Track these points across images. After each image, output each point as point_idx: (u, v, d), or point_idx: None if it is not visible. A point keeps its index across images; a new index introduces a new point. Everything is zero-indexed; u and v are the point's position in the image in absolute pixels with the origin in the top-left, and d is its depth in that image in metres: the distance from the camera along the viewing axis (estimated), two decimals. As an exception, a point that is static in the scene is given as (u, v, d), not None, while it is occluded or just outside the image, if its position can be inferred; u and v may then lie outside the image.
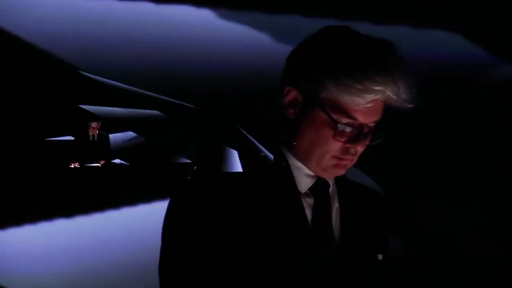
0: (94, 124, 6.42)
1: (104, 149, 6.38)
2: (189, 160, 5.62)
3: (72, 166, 5.98)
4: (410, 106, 1.22)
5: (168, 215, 1.27)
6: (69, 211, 4.73)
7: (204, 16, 4.51)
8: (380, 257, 1.32)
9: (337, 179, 1.35)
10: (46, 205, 4.75)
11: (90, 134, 6.45)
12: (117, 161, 6.40)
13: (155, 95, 5.07)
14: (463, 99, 3.80)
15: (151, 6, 4.61)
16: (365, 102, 1.19)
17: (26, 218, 4.54)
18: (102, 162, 6.18)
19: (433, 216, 3.92)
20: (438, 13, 3.88)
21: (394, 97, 1.20)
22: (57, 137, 6.20)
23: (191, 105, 5.01)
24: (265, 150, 4.30)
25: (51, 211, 4.70)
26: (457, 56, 3.87)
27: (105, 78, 5.06)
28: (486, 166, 3.86)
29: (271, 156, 1.35)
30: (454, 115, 3.83)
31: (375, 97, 1.19)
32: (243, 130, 4.57)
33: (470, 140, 3.81)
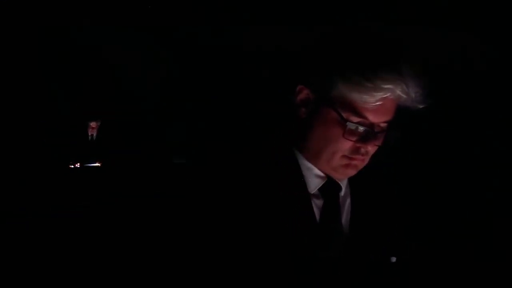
0: (93, 124, 6.41)
1: (104, 149, 6.37)
2: (194, 161, 5.61)
3: (72, 166, 5.97)
4: (421, 106, 1.22)
5: (185, 214, 1.28)
6: (70, 211, 4.72)
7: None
8: (393, 259, 1.31)
9: (352, 180, 1.35)
10: (47, 206, 4.75)
11: (89, 134, 6.44)
12: (119, 161, 6.37)
13: (157, 94, 5.07)
14: (473, 97, 3.79)
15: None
16: (375, 101, 1.19)
17: (28, 219, 4.54)
18: (102, 162, 6.17)
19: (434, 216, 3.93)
20: (451, 13, 3.87)
21: (404, 96, 1.20)
22: (57, 137, 6.19)
23: (195, 105, 5.01)
24: (264, 150, 4.28)
25: (52, 212, 4.70)
26: (468, 55, 3.86)
27: (106, 78, 5.05)
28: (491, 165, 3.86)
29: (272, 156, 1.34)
30: (464, 113, 3.82)
31: (384, 95, 1.19)
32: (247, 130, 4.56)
33: (478, 138, 3.80)
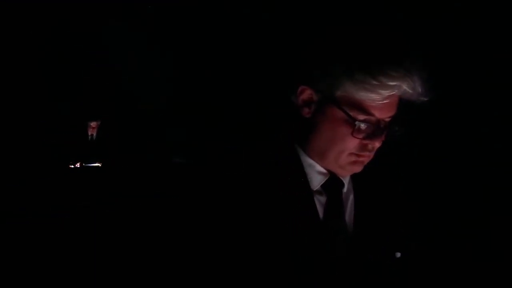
0: (93, 124, 6.40)
1: (104, 149, 6.37)
2: (195, 160, 5.60)
3: (72, 166, 5.97)
4: (426, 99, 1.21)
5: (185, 213, 1.27)
6: (70, 211, 4.71)
7: (211, 13, 4.48)
8: (398, 255, 1.31)
9: (354, 176, 1.34)
10: (47, 206, 4.74)
11: (89, 134, 6.44)
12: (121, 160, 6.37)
13: (157, 94, 5.06)
14: (481, 90, 3.77)
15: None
16: (382, 98, 1.18)
17: (28, 219, 4.53)
18: (102, 162, 6.17)
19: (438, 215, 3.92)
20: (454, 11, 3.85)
21: (410, 91, 1.19)
22: (57, 137, 6.18)
23: (195, 105, 5.01)
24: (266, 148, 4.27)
25: (52, 212, 4.69)
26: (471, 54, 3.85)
27: (107, 77, 5.05)
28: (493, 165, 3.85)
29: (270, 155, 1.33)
30: (468, 112, 3.81)
31: (392, 93, 1.18)
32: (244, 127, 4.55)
33: (479, 138, 3.79)
